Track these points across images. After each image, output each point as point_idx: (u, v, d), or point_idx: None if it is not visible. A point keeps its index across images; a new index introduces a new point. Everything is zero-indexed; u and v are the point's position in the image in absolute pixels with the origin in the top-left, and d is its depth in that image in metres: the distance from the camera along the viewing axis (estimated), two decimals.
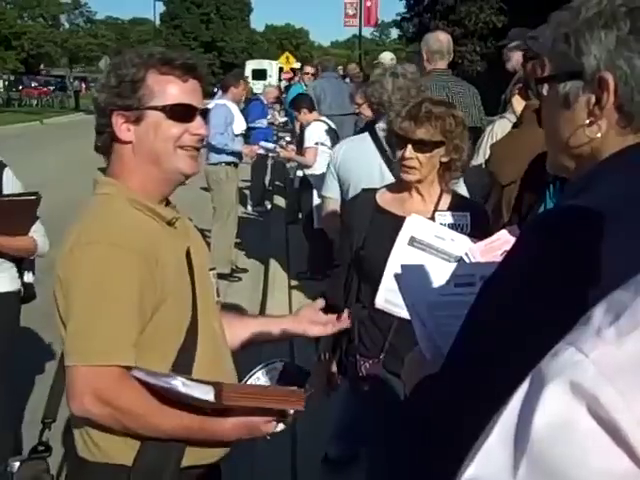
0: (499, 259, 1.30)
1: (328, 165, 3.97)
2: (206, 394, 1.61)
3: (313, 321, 2.21)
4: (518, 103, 4.08)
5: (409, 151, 2.62)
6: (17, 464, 1.86)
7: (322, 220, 4.08)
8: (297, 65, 14.27)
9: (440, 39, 5.00)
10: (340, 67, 13.33)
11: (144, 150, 1.83)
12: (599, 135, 1.14)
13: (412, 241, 2.53)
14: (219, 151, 7.86)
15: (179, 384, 1.58)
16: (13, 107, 41.50)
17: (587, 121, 1.14)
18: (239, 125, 8.25)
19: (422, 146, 2.62)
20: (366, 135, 3.75)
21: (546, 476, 0.54)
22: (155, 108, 1.81)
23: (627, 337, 0.55)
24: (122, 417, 1.68)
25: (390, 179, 3.31)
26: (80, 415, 1.72)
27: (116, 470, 1.76)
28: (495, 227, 2.60)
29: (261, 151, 9.74)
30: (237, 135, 8.13)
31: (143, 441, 1.75)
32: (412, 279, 1.74)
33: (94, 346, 1.67)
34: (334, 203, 3.82)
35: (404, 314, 2.51)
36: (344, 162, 3.74)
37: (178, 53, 1.87)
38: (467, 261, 1.86)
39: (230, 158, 7.97)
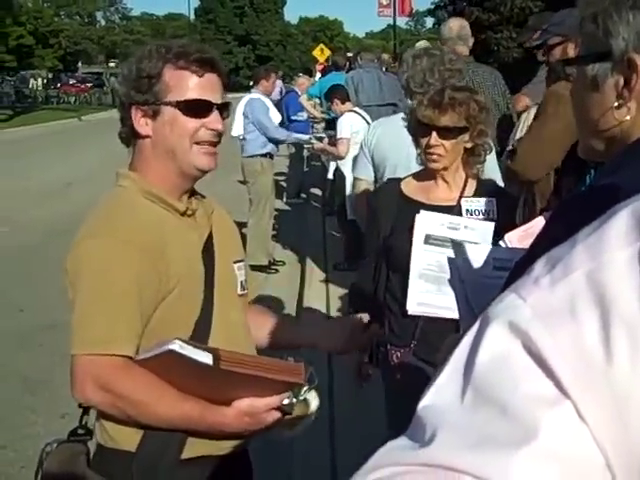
0: None
1: (361, 146, 3.89)
2: (204, 357, 1.60)
3: (344, 338, 2.20)
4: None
5: (434, 138, 2.61)
6: (55, 445, 1.89)
7: (355, 203, 3.98)
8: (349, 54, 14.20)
9: (450, 26, 4.91)
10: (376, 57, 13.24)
11: (161, 145, 1.85)
12: (628, 117, 1.13)
13: (428, 239, 2.52)
14: (254, 144, 7.93)
15: (176, 346, 1.57)
16: (52, 105, 42.02)
17: (616, 103, 1.14)
18: (275, 117, 8.34)
19: (447, 133, 2.61)
20: (398, 116, 3.66)
21: (485, 401, 0.62)
22: (170, 104, 1.82)
23: (558, 284, 0.63)
24: (123, 405, 1.71)
25: None
26: (81, 402, 1.79)
27: (124, 456, 1.81)
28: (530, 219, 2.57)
29: (305, 137, 9.77)
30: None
31: (145, 430, 1.78)
32: (460, 259, 1.75)
33: (93, 335, 1.72)
34: (366, 185, 3.77)
35: (440, 313, 2.51)
36: (379, 143, 3.67)
37: (195, 47, 1.87)
38: (504, 247, 1.85)
39: (265, 150, 8.03)
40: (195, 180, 1.93)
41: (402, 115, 3.64)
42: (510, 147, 4.22)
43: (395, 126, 3.61)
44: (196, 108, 1.83)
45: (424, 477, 0.60)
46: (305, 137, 9.49)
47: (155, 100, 1.82)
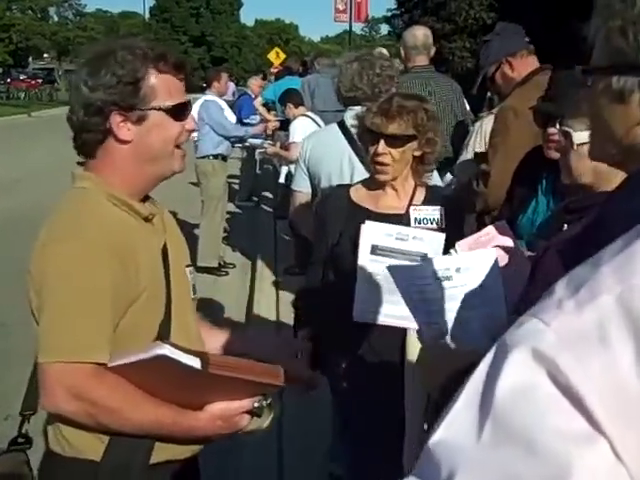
0: None
1: (298, 159, 3.85)
2: (193, 362, 1.59)
3: (273, 346, 2.23)
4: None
5: (382, 146, 2.61)
6: None
7: (291, 214, 3.93)
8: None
9: (415, 34, 4.94)
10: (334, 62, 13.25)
11: (142, 149, 1.81)
12: None
13: (374, 250, 2.53)
14: (207, 145, 7.94)
15: (167, 351, 1.56)
16: (1, 100, 41.26)
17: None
18: (230, 118, 8.39)
19: (394, 141, 2.61)
20: (334, 125, 3.66)
21: (508, 437, 0.57)
22: (159, 108, 1.80)
23: (585, 307, 0.59)
24: (96, 413, 1.67)
25: (360, 169, 3.28)
26: (52, 412, 1.72)
27: (85, 465, 1.76)
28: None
29: (257, 142, 9.80)
30: None
31: (111, 437, 1.75)
32: (400, 275, 1.76)
33: (67, 343, 1.66)
34: (303, 197, 3.72)
35: (386, 321, 2.53)
36: (313, 155, 3.62)
37: (166, 49, 1.85)
38: (454, 255, 1.87)
39: (217, 150, 8.03)
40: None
41: (334, 125, 3.66)
42: (464, 156, 4.27)
43: (328, 135, 3.60)
44: (181, 112, 1.84)
45: None
46: (258, 142, 9.47)
47: (142, 105, 1.78)
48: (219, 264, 8.14)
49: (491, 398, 0.59)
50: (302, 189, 3.73)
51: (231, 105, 11.36)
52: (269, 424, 1.87)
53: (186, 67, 1.88)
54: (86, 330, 1.67)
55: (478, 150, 4.15)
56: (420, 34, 4.94)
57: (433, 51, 4.99)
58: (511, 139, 3.54)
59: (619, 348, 0.56)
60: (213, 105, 8.02)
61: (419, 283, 1.66)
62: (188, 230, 7.73)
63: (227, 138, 8.10)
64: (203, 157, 8.01)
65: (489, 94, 4.90)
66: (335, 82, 3.59)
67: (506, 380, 0.59)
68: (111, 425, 1.70)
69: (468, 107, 5.36)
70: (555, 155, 2.61)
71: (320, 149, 3.60)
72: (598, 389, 0.55)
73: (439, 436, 0.61)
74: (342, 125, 3.53)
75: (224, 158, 8.20)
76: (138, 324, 1.77)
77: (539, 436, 0.55)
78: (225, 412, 1.75)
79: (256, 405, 1.78)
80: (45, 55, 65.10)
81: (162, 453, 1.81)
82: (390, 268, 1.92)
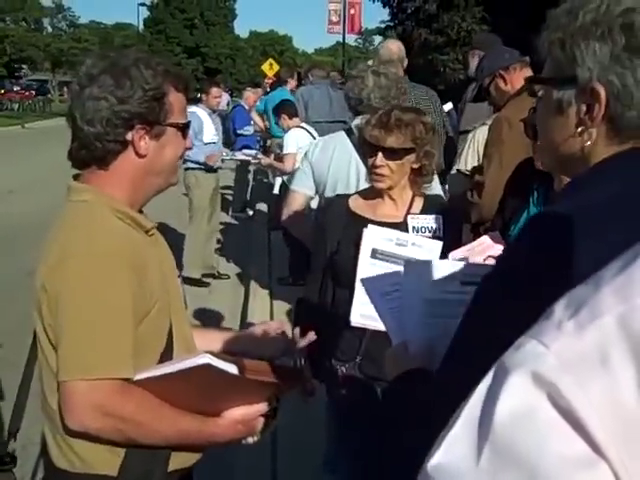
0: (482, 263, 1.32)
1: (302, 161, 3.83)
2: (232, 368, 1.64)
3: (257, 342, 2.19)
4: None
5: (380, 159, 2.64)
6: None
7: (285, 217, 3.79)
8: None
9: (390, 47, 5.09)
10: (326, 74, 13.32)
11: (155, 164, 1.84)
12: (589, 143, 1.15)
13: (374, 253, 2.54)
14: (191, 156, 7.70)
15: (210, 360, 1.59)
16: None
17: (578, 130, 1.15)
18: (209, 133, 7.99)
19: (392, 154, 2.64)
20: (341, 133, 3.69)
21: (508, 462, 0.56)
22: (176, 125, 1.86)
23: (586, 329, 0.58)
24: (125, 428, 1.67)
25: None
26: (78, 430, 1.68)
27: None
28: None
29: (241, 157, 9.79)
30: (207, 143, 7.90)
31: (127, 450, 1.74)
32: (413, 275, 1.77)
33: (94, 360, 1.64)
34: (301, 198, 3.70)
35: (381, 326, 2.54)
36: (320, 159, 3.62)
37: (180, 69, 1.93)
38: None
39: (196, 164, 7.86)
40: None
41: (342, 132, 3.68)
42: (458, 168, 4.31)
43: (338, 143, 3.61)
44: (187, 130, 1.92)
45: None
46: (252, 152, 9.48)
47: (162, 121, 1.82)
48: (211, 274, 8.12)
49: (490, 422, 0.58)
50: (302, 189, 3.70)
51: (225, 116, 11.38)
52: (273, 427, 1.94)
53: (190, 88, 1.94)
54: (110, 346, 1.66)
55: (470, 160, 4.19)
56: (396, 47, 5.10)
57: (406, 63, 5.12)
58: (505, 150, 3.58)
59: (620, 371, 0.55)
60: (193, 120, 7.70)
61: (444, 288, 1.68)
62: (177, 241, 7.73)
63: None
64: (186, 169, 7.85)
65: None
66: (355, 91, 3.56)
67: (505, 404, 0.58)
68: (140, 439, 1.70)
69: (446, 110, 5.46)
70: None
71: (328, 155, 3.60)
72: (599, 413, 0.55)
73: (437, 460, 0.61)
74: (349, 132, 3.55)
75: (209, 169, 8.03)
76: (149, 336, 1.77)
77: (540, 461, 0.55)
78: (245, 416, 1.80)
79: (270, 407, 1.85)
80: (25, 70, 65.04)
81: (172, 463, 1.82)
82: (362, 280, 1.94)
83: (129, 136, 1.79)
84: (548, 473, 0.54)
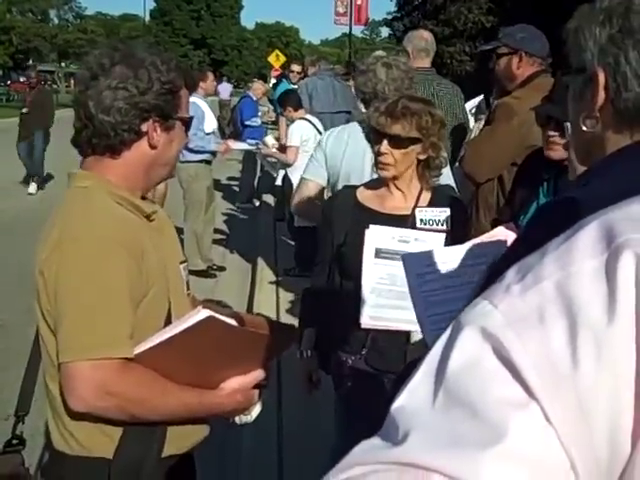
0: None
1: (315, 150, 3.83)
2: (232, 322, 1.68)
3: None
4: None
5: (384, 146, 2.63)
6: None
7: (296, 205, 3.81)
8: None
9: (424, 37, 5.02)
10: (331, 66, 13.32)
11: (162, 156, 1.91)
12: (597, 129, 1.16)
13: (378, 253, 2.54)
14: (190, 150, 7.65)
15: (208, 312, 1.61)
16: (1, 102, 41.27)
17: (583, 115, 1.16)
18: (210, 123, 7.99)
19: (397, 142, 2.63)
20: (354, 124, 3.69)
21: (457, 403, 0.64)
22: (183, 120, 1.94)
23: (529, 292, 0.65)
24: (128, 406, 1.70)
25: None
26: (82, 411, 1.71)
27: (96, 463, 1.78)
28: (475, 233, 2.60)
29: (244, 146, 9.79)
30: (208, 133, 7.89)
31: (124, 432, 1.78)
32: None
33: (95, 340, 1.67)
34: (314, 187, 3.70)
35: (393, 326, 2.54)
36: (334, 149, 3.63)
37: (185, 63, 1.94)
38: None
39: (201, 156, 7.84)
40: None
41: (356, 124, 3.68)
42: (462, 153, 4.31)
43: (352, 133, 3.62)
44: (190, 124, 2.01)
45: (395, 475, 0.61)
46: (253, 142, 9.45)
47: (173, 115, 1.89)
48: (208, 267, 8.10)
49: (444, 370, 0.66)
50: (315, 179, 3.70)
51: (232, 108, 11.36)
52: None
53: (197, 84, 2.00)
54: (110, 327, 1.69)
55: None
56: (429, 37, 5.07)
57: (433, 55, 5.06)
58: (497, 128, 3.62)
59: (553, 325, 0.63)
60: (194, 110, 7.68)
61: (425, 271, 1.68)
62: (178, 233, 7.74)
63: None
64: (185, 162, 7.67)
65: (492, 99, 4.92)
66: (366, 82, 3.54)
67: (458, 354, 0.66)
68: (143, 415, 1.74)
69: (476, 102, 5.44)
70: (555, 156, 2.62)
71: (342, 146, 3.61)
72: (534, 361, 0.62)
73: (400, 402, 0.68)
74: (362, 123, 3.55)
75: (208, 163, 8.04)
76: (146, 319, 1.79)
77: (481, 402, 0.62)
78: (242, 385, 1.83)
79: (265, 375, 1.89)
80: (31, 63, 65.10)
81: (168, 447, 1.84)
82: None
83: (144, 127, 1.84)
84: (486, 411, 0.62)
